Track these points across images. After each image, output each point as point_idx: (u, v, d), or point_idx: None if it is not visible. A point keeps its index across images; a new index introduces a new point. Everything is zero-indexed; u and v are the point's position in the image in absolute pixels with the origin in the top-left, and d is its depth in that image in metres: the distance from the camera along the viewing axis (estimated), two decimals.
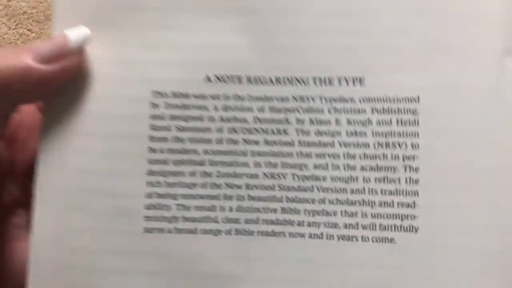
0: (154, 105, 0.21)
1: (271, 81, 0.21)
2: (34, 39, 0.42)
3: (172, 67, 0.21)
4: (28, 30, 0.43)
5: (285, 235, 0.20)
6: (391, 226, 0.20)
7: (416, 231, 0.20)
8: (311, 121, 0.21)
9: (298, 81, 0.21)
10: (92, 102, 0.21)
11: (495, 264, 0.19)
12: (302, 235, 0.20)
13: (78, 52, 0.21)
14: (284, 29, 0.21)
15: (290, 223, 0.20)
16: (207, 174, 0.21)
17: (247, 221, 0.21)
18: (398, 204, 0.20)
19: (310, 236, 0.20)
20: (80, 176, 0.21)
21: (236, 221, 0.21)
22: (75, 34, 0.21)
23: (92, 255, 0.21)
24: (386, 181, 0.20)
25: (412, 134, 0.20)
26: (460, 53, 0.20)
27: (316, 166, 0.21)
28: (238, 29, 0.21)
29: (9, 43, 0.41)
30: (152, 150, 0.21)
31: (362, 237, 0.20)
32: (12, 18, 0.43)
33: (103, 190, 0.21)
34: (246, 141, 0.21)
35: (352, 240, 0.20)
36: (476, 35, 0.20)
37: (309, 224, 0.20)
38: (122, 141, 0.21)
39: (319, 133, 0.21)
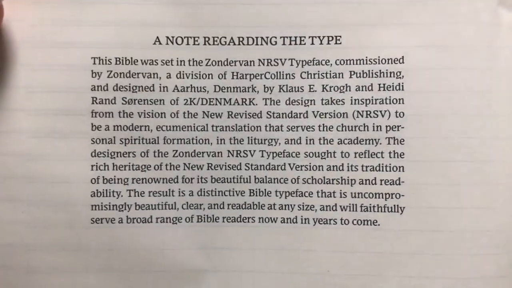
0: (96, 74, 0.18)
1: (233, 41, 0.18)
2: None
3: (114, 27, 0.18)
4: None
5: (254, 221, 0.18)
6: (373, 206, 0.18)
7: (401, 211, 0.17)
8: (281, 88, 0.18)
9: (265, 41, 0.18)
10: (20, 73, 0.18)
11: (489, 245, 0.17)
12: (274, 220, 0.18)
13: None
14: None
15: (260, 206, 0.18)
16: (162, 154, 0.18)
17: (210, 206, 0.18)
18: (381, 182, 0.18)
19: (283, 220, 0.18)
20: (9, 161, 0.18)
21: (198, 206, 0.18)
22: None
23: (29, 252, 0.18)
24: (367, 155, 0.18)
25: (396, 100, 0.18)
26: (451, 6, 0.17)
27: (287, 141, 0.18)
28: None
29: None
30: (96, 127, 0.18)
31: (341, 219, 0.18)
32: None
33: (39, 176, 0.18)
34: (206, 114, 0.18)
35: (330, 224, 0.18)
36: None
37: (281, 207, 0.18)
38: (59, 118, 0.18)
39: (290, 102, 0.18)
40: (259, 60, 0.18)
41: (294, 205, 0.18)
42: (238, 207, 0.18)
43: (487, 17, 0.17)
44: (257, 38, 0.18)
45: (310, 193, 0.18)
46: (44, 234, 0.18)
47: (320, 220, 0.18)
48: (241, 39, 0.18)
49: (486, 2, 0.17)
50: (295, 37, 0.18)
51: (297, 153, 0.18)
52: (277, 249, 0.18)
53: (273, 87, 0.18)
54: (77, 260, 0.18)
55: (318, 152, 0.18)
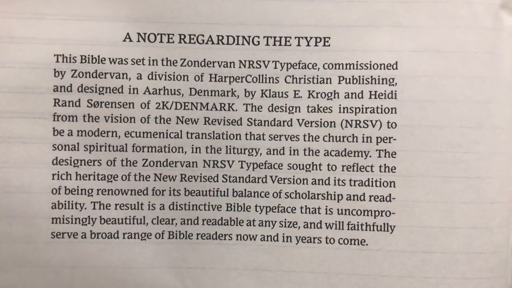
0: (59, 73, 0.16)
1: (211, 40, 0.16)
2: None
3: (80, 22, 0.16)
4: None
5: (231, 238, 0.16)
6: (361, 224, 0.16)
7: (391, 230, 0.16)
8: (263, 93, 0.16)
9: (247, 41, 0.16)
10: None
11: (484, 268, 0.16)
12: (253, 238, 0.16)
13: None
14: None
15: (238, 222, 0.16)
16: (130, 163, 0.16)
17: (183, 222, 0.16)
18: (370, 198, 0.16)
19: (263, 238, 0.16)
20: None
21: (169, 221, 0.16)
22: None
23: None
24: (356, 168, 0.16)
25: (388, 110, 0.16)
26: (449, 8, 0.16)
27: (269, 151, 0.16)
28: None
29: None
30: (58, 132, 0.16)
31: (326, 238, 0.16)
32: None
33: None
34: (180, 120, 0.16)
35: (314, 242, 0.16)
36: None
37: (261, 224, 0.16)
38: (16, 121, 0.16)
39: (273, 108, 0.16)
40: (240, 61, 0.16)
41: (275, 221, 0.16)
42: (213, 223, 0.16)
43: (488, 21, 0.16)
44: (238, 37, 0.16)
45: (293, 208, 0.16)
46: None
47: (304, 238, 0.16)
48: (220, 37, 0.16)
49: (487, 5, 0.16)
50: (280, 37, 0.16)
51: (280, 165, 0.16)
52: (255, 269, 0.16)
53: (254, 91, 0.16)
54: (36, 278, 0.16)
55: (303, 164, 0.16)
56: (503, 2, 0.16)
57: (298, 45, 0.16)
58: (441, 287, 0.16)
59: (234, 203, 0.16)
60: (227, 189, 0.16)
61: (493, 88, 0.16)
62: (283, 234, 0.16)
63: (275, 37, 0.16)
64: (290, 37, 0.16)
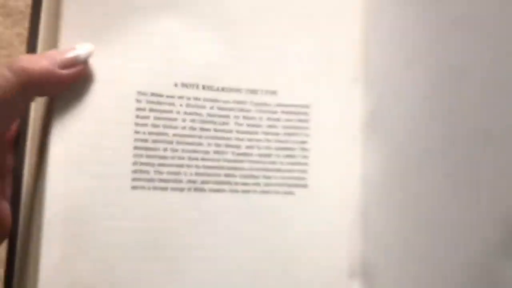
0: (138, 101, 0.30)
1: (218, 89, 0.32)
2: None
3: (150, 74, 0.30)
4: (25, 29, 0.43)
5: (225, 191, 0.31)
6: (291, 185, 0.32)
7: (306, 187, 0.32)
8: (244, 117, 0.32)
9: (236, 91, 0.32)
10: (92, 96, 0.29)
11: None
12: (236, 191, 0.31)
13: (84, 62, 0.29)
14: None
15: (229, 183, 0.31)
16: (174, 150, 0.30)
17: (202, 182, 0.31)
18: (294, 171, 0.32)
19: (244, 191, 0.31)
20: (82, 150, 0.29)
21: (194, 182, 0.31)
22: (83, 49, 0.28)
23: (88, 209, 0.28)
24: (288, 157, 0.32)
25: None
26: (318, 79, 0.33)
27: (247, 147, 0.32)
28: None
29: (6, 43, 0.43)
30: (137, 132, 0.30)
31: (275, 191, 0.32)
32: (9, 17, 0.44)
33: (98, 160, 0.29)
34: (201, 129, 0.31)
35: (268, 193, 0.32)
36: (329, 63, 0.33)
37: (243, 184, 0.31)
38: (112, 126, 0.29)
39: (248, 125, 0.32)
40: (233, 100, 0.32)
41: (249, 183, 0.31)
42: (216, 183, 0.31)
43: (343, 89, 0.34)
44: (231, 87, 0.32)
45: (258, 176, 0.32)
46: (99, 196, 0.29)
47: (264, 191, 0.32)
48: (223, 87, 0.32)
49: (341, 78, 0.34)
50: (253, 88, 0.32)
51: (251, 154, 0.32)
52: (239, 209, 0.31)
53: (239, 116, 0.32)
54: (120, 216, 0.29)
55: (263, 154, 0.32)
56: (353, 78, 0.34)
57: (263, 93, 0.32)
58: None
59: (228, 173, 0.31)
60: (224, 166, 0.31)
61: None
62: (254, 189, 0.31)
63: (250, 88, 0.32)
64: (257, 89, 0.32)
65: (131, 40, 0.30)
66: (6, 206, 0.30)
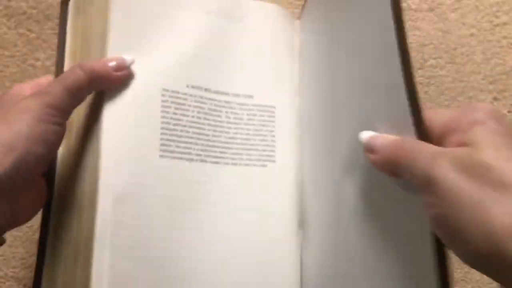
0: (163, 95, 0.42)
1: (214, 92, 0.45)
2: (34, 39, 0.46)
3: (170, 77, 0.43)
4: (28, 30, 0.45)
5: (220, 163, 0.44)
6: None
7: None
8: (231, 112, 0.45)
9: (225, 94, 0.46)
10: (132, 91, 0.40)
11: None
12: (227, 163, 0.44)
13: (129, 68, 0.40)
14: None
15: (222, 157, 0.44)
16: (187, 132, 0.43)
17: (205, 156, 0.43)
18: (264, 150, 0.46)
19: (233, 164, 0.44)
20: (127, 132, 0.40)
21: (199, 155, 0.43)
22: (128, 58, 0.40)
23: (133, 177, 0.39)
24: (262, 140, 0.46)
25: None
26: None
27: (234, 133, 0.45)
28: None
29: (9, 43, 0.45)
30: (163, 117, 0.41)
31: (253, 164, 0.45)
32: (12, 18, 0.45)
33: (136, 136, 0.40)
34: (204, 118, 0.44)
35: (248, 166, 0.45)
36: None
37: (231, 158, 0.44)
38: (146, 113, 0.41)
39: (234, 118, 0.45)
40: (223, 100, 0.45)
41: (237, 158, 0.45)
42: (215, 157, 0.44)
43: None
44: (222, 91, 0.45)
45: (241, 153, 0.45)
46: (141, 163, 0.40)
47: (248, 164, 0.45)
48: (217, 91, 0.45)
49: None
50: (237, 93, 0.46)
51: (236, 138, 0.45)
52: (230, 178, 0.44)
53: (228, 112, 0.45)
54: (150, 183, 0.40)
55: (246, 138, 0.46)
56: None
57: (245, 96, 0.46)
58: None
59: (222, 150, 0.44)
60: (219, 145, 0.44)
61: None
62: (239, 163, 0.45)
63: (236, 93, 0.46)
64: (239, 93, 0.46)
65: (159, 54, 0.42)
66: (42, 180, 0.37)
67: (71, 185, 0.39)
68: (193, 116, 0.43)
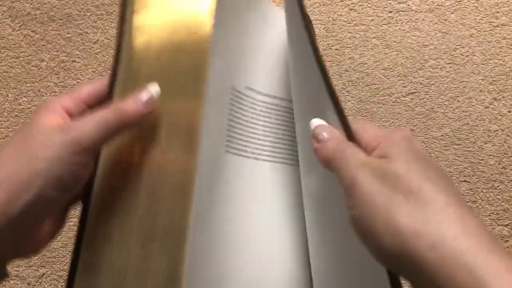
0: (232, 94, 0.40)
1: (266, 95, 0.45)
2: (38, 41, 0.45)
3: (235, 79, 0.42)
4: (32, 31, 0.45)
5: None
6: None
7: None
8: (278, 115, 0.46)
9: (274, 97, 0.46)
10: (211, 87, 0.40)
11: None
12: (276, 162, 0.44)
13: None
14: None
15: (273, 156, 0.44)
16: (244, 130, 0.42)
17: (257, 154, 0.43)
18: None
19: (281, 163, 0.45)
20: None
21: (253, 153, 0.43)
22: (155, 89, 0.32)
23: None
24: None
25: None
26: None
27: (283, 134, 0.45)
28: None
29: (13, 45, 0.44)
30: (230, 114, 0.41)
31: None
32: (16, 19, 0.45)
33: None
34: (256, 119, 0.43)
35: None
36: None
37: (283, 158, 0.45)
38: (216, 108, 0.39)
39: (276, 119, 0.45)
40: (261, 101, 0.45)
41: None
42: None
43: None
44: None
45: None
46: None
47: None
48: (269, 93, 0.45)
49: None
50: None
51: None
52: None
53: (264, 111, 0.45)
54: (217, 173, 0.40)
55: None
56: None
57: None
58: None
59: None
60: (258, 140, 0.44)
61: None
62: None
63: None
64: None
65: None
66: (58, 213, 0.32)
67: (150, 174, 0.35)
68: (248, 116, 0.44)
